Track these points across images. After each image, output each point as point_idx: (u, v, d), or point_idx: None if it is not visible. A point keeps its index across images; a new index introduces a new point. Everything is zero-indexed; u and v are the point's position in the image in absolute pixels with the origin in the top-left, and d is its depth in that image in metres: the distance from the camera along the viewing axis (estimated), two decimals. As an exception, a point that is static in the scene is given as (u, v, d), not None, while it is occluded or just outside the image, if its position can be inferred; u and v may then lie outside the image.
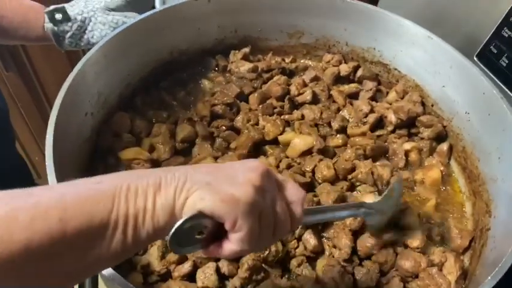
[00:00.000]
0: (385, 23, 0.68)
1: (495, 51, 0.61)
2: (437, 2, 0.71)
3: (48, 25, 0.75)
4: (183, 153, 0.61)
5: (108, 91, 0.62)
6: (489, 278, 0.38)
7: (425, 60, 0.66)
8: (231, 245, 0.32)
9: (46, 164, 0.44)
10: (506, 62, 0.60)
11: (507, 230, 0.46)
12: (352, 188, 0.58)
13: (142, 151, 0.58)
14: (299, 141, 0.61)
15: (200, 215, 0.30)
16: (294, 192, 0.35)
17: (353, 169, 0.59)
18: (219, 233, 0.32)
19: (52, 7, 0.74)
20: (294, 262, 0.49)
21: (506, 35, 0.59)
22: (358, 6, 0.69)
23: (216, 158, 0.59)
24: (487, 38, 0.61)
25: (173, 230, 0.30)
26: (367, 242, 0.49)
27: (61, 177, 0.44)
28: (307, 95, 0.68)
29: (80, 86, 0.54)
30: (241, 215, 0.30)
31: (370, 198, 0.54)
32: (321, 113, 0.67)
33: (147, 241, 0.31)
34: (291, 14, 0.73)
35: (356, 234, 0.51)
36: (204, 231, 0.31)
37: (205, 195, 0.30)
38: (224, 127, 0.63)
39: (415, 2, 0.74)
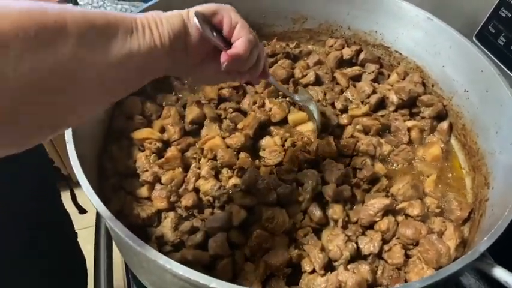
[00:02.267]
0: (386, 7, 0.70)
1: (493, 31, 0.63)
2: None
3: None
4: (192, 134, 0.63)
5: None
6: (485, 238, 0.41)
7: (426, 41, 0.68)
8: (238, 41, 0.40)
9: (67, 148, 0.47)
10: (504, 41, 0.61)
11: (505, 196, 0.48)
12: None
13: (154, 131, 0.61)
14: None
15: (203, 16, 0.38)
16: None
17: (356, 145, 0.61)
18: None
19: None
20: (300, 233, 0.52)
21: (504, 15, 0.61)
22: (361, -9, 0.71)
23: (223, 138, 0.61)
24: (485, 19, 0.63)
25: (194, 12, 0.38)
26: (369, 210, 0.51)
27: (81, 160, 0.46)
28: (311, 77, 0.70)
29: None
30: (232, 10, 0.41)
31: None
32: (325, 94, 0.69)
33: (168, 42, 0.36)
34: (295, 0, 0.75)
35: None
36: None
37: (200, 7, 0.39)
38: (231, 109, 0.65)
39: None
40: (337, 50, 0.76)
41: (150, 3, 0.67)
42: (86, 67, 0.31)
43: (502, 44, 0.62)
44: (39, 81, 0.28)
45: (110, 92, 0.35)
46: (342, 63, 0.75)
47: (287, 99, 0.68)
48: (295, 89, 0.70)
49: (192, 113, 0.64)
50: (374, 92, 0.68)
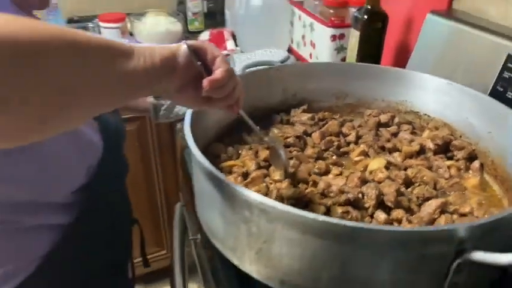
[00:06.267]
0: (412, 80, 0.89)
1: (501, 90, 0.80)
2: (450, 60, 0.93)
3: (151, 100, 0.99)
4: (265, 168, 0.76)
5: (203, 132, 0.79)
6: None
7: (449, 102, 0.85)
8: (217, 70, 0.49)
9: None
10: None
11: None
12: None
13: (238, 162, 0.74)
14: (374, 163, 0.76)
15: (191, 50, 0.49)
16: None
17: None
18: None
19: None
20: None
21: (507, 76, 0.79)
22: (391, 70, 0.92)
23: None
24: (493, 80, 0.81)
25: (184, 44, 0.48)
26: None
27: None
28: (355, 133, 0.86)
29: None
30: (214, 47, 0.51)
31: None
32: (370, 146, 0.83)
33: (157, 69, 0.45)
34: (338, 80, 0.95)
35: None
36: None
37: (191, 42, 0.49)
38: (296, 151, 0.80)
39: (433, 62, 0.96)
40: (374, 116, 0.93)
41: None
42: (91, 77, 0.38)
43: (510, 97, 0.78)
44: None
45: (103, 103, 0.42)
46: (379, 125, 0.91)
47: (340, 149, 0.82)
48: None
49: (263, 153, 0.78)
50: (413, 140, 0.83)
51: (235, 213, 0.54)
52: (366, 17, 1.05)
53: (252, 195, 0.50)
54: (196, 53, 0.50)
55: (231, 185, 0.52)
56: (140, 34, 1.56)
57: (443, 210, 0.62)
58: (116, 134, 0.74)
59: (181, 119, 1.07)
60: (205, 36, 1.63)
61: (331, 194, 0.65)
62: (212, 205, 0.60)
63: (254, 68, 0.94)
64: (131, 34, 1.60)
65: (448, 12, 1.00)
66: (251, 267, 0.57)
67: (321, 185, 0.66)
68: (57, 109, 0.36)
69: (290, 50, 1.48)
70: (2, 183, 0.56)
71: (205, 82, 0.49)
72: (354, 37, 1.11)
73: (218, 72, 0.50)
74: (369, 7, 1.05)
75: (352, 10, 1.20)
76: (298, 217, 0.48)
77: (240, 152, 0.81)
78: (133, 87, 0.44)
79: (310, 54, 1.35)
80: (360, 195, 0.65)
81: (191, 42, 0.51)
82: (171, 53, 0.47)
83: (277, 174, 0.70)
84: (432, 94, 0.87)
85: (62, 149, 0.62)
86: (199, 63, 0.50)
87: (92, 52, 0.38)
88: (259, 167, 0.75)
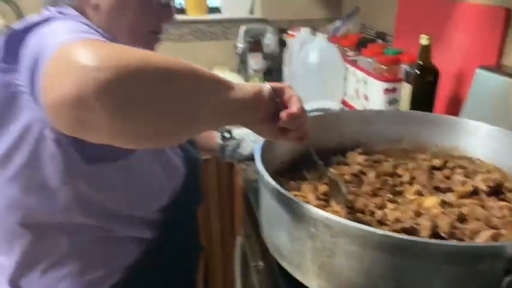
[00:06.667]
0: (465, 127, 0.95)
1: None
2: (500, 112, 0.98)
3: (219, 141, 1.11)
4: (324, 201, 0.83)
5: (266, 166, 0.88)
6: None
7: (499, 147, 0.89)
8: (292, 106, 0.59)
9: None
10: None
11: None
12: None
13: (300, 193, 0.82)
14: (428, 201, 0.82)
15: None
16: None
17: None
18: None
19: (224, 129, 1.11)
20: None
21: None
22: (443, 117, 0.98)
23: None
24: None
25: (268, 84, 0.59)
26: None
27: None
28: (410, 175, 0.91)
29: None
30: (291, 88, 0.61)
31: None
32: (424, 186, 0.88)
33: (250, 101, 0.55)
34: (393, 126, 1.02)
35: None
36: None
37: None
38: (353, 188, 0.86)
39: (484, 113, 1.02)
40: (428, 160, 0.98)
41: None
42: (205, 101, 0.49)
43: None
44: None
45: (210, 123, 0.53)
46: (433, 169, 0.96)
47: (396, 188, 0.88)
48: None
49: (322, 188, 0.85)
50: (466, 182, 0.87)
51: (302, 230, 0.61)
52: (417, 71, 1.14)
53: (319, 211, 0.58)
54: (276, 91, 0.61)
55: (299, 203, 0.60)
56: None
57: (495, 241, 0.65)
58: (196, 164, 0.85)
59: (244, 160, 1.18)
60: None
61: (388, 222, 0.70)
62: (280, 225, 0.67)
63: (313, 113, 1.04)
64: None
65: (498, 67, 1.07)
66: (314, 282, 0.63)
67: (379, 213, 0.72)
68: (180, 123, 0.47)
69: (343, 103, 1.58)
70: (100, 191, 0.68)
71: (284, 114, 0.58)
72: (406, 90, 1.19)
73: (294, 108, 0.59)
74: (421, 63, 1.14)
75: (404, 66, 1.29)
76: (359, 231, 0.54)
77: (300, 186, 0.89)
78: (232, 113, 0.54)
79: (364, 107, 1.44)
80: (415, 226, 0.70)
81: (273, 83, 0.62)
82: (259, 89, 0.57)
83: (336, 206, 0.77)
84: (483, 140, 0.92)
85: (152, 169, 0.73)
86: (278, 99, 0.61)
87: (208, 82, 0.49)
88: (319, 199, 0.83)
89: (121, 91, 0.40)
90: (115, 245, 0.73)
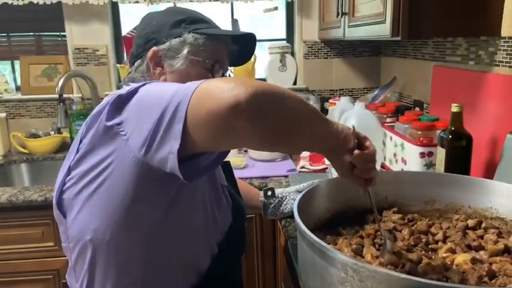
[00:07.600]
0: (498, 188, 0.99)
1: None
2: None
3: (262, 199, 1.21)
4: (357, 252, 0.89)
5: (305, 222, 0.97)
6: None
7: (532, 208, 0.92)
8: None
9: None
10: None
11: None
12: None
13: (336, 247, 0.89)
14: (460, 257, 0.86)
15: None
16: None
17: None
18: None
19: (267, 188, 1.22)
20: None
21: None
22: (477, 179, 1.03)
23: (377, 257, 0.86)
24: None
25: (352, 126, 0.74)
26: None
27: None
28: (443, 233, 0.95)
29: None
30: (366, 136, 0.76)
31: None
32: (457, 245, 0.92)
33: (339, 136, 0.71)
34: (427, 187, 1.08)
35: None
36: None
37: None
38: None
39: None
40: (462, 221, 1.02)
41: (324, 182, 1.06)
42: (305, 125, 0.65)
43: None
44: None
45: (306, 146, 0.76)
46: (467, 228, 0.99)
47: (429, 246, 0.92)
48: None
49: (355, 240, 0.92)
50: (498, 241, 0.90)
51: (334, 275, 0.68)
52: (450, 136, 1.21)
53: (348, 258, 0.65)
54: (356, 133, 0.75)
55: (330, 250, 0.68)
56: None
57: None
58: (242, 214, 0.95)
59: (286, 217, 1.27)
60: (305, 154, 1.88)
61: (417, 274, 0.75)
62: (315, 272, 0.74)
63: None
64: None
65: (528, 133, 1.12)
66: (346, 325, 0.68)
67: (408, 265, 0.77)
68: (293, 131, 0.63)
69: (383, 166, 1.65)
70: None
71: (358, 151, 0.73)
72: (440, 154, 1.25)
73: (368, 150, 0.74)
74: (453, 128, 1.21)
75: (438, 131, 1.36)
76: (385, 275, 0.61)
77: (336, 241, 0.96)
78: (325, 143, 0.71)
79: (402, 170, 1.50)
80: (444, 279, 0.74)
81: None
82: (348, 128, 0.73)
83: (369, 256, 0.83)
84: (516, 201, 0.96)
85: (201, 219, 0.84)
86: (356, 140, 0.74)
87: (309, 108, 0.65)
88: (352, 251, 0.89)
89: (258, 102, 0.56)
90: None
